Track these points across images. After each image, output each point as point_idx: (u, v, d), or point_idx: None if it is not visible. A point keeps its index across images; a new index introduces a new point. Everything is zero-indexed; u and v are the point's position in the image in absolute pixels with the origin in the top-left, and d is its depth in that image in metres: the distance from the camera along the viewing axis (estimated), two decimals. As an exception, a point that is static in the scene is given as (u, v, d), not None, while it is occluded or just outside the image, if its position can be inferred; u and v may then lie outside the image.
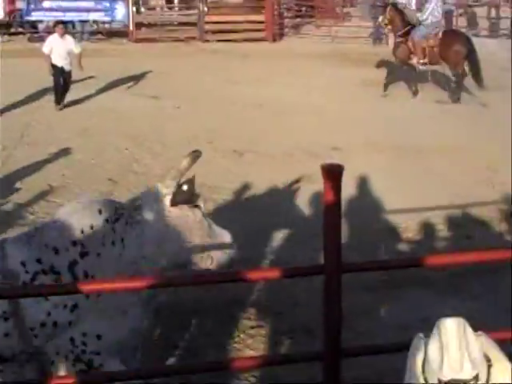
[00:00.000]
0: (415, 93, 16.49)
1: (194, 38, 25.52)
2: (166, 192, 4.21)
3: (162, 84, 17.69)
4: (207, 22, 25.60)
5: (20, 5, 26.56)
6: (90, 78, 17.72)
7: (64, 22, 17.03)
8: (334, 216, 3.29)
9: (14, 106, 15.17)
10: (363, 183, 9.85)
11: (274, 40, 25.31)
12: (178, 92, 16.47)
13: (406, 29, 16.81)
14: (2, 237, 4.16)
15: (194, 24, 26.08)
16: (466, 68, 16.27)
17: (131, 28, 25.81)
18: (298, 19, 28.24)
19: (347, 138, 12.26)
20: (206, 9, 25.92)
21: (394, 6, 17.55)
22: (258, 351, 5.74)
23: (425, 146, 11.73)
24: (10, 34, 26.69)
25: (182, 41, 25.52)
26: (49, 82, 15.52)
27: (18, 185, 9.95)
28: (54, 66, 15.06)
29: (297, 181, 10.13)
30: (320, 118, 13.79)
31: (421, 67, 16.70)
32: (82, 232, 3.99)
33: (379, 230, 8.39)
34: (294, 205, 9.15)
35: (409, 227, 8.52)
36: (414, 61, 16.68)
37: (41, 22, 26.74)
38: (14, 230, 8.15)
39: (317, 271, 3.64)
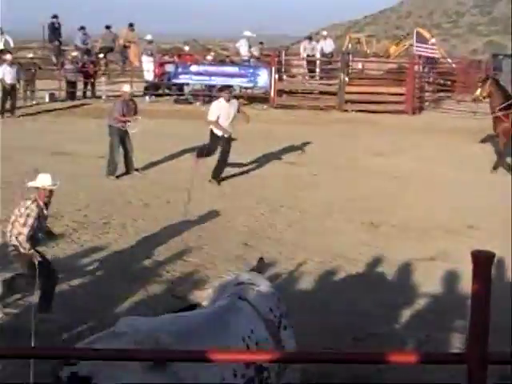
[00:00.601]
0: None
1: (333, 107, 25.74)
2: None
3: (300, 150, 17.91)
4: (347, 92, 25.78)
5: (169, 68, 27.70)
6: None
7: (230, 87, 16.13)
8: (483, 305, 3.19)
9: (155, 164, 15.70)
10: (501, 265, 9.54)
11: (414, 113, 25.16)
12: (315, 159, 16.60)
13: (509, 102, 16.24)
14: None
15: (334, 93, 26.33)
16: None
17: (272, 94, 26.33)
18: (439, 93, 28.03)
19: (483, 216, 11.95)
20: (346, 79, 26.15)
21: (495, 79, 17.26)
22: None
23: None
24: (158, 96, 27.81)
25: (321, 109, 25.79)
26: (191, 142, 15.97)
27: (157, 242, 10.22)
28: (212, 133, 14.55)
29: (431, 258, 9.93)
30: (456, 195, 13.51)
31: None
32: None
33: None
34: (427, 282, 8.94)
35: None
36: None
37: (187, 84, 27.75)
38: (152, 287, 8.40)
39: (459, 360, 3.50)
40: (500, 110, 16.35)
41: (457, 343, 6.89)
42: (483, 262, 3.20)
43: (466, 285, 8.64)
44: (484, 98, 16.95)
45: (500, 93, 16.59)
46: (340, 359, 4.00)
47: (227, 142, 14.54)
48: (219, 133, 14.35)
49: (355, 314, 7.78)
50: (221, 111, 14.40)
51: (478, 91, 16.93)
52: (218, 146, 14.47)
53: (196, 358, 3.68)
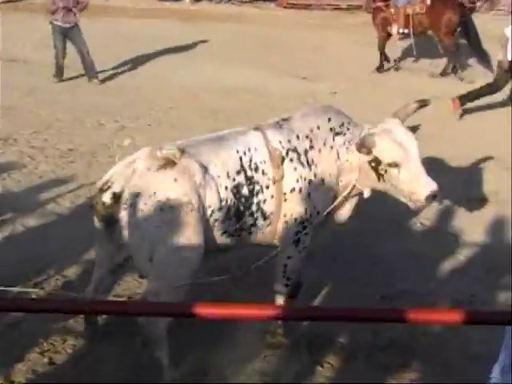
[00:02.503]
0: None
1: (359, 8, 25.50)
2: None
3: (316, 62, 17.78)
4: (377, -11, 25.50)
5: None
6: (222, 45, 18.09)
7: None
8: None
9: (123, 72, 15.67)
10: None
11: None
12: (334, 73, 16.52)
13: None
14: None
15: (360, -10, 26.08)
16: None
17: (282, -10, 26.07)
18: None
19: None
20: (376, -28, 25.82)
21: None
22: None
23: None
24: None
25: (343, 9, 25.57)
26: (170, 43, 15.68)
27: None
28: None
29: (480, 199, 9.93)
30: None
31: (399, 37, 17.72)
32: (312, 131, 6.16)
33: None
34: (473, 229, 8.96)
35: None
36: (394, 30, 17.48)
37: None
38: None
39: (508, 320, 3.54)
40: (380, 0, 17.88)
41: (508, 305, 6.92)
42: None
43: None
44: None
45: None
46: (364, 317, 4.03)
47: None
48: None
49: (382, 267, 7.81)
50: None
51: None
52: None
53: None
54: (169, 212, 5.54)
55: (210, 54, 17.84)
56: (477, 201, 9.83)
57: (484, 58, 16.80)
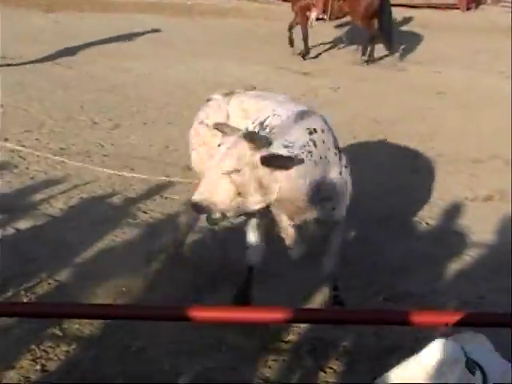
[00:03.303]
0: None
1: None
2: None
3: (317, 57, 17.77)
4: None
5: None
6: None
7: None
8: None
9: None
10: None
11: (468, 8, 24.92)
12: (336, 68, 16.49)
13: None
14: None
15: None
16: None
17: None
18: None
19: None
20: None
21: None
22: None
23: None
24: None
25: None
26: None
27: (131, 173, 10.20)
28: None
29: (486, 197, 9.93)
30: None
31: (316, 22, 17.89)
32: None
33: None
34: (480, 229, 8.96)
35: None
36: (313, 15, 17.70)
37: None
38: (125, 230, 8.41)
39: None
40: None
41: (517, 307, 6.92)
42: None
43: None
44: None
45: None
46: (358, 319, 4.04)
47: None
48: None
49: (385, 268, 7.81)
50: None
51: None
52: None
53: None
54: (197, 127, 7.06)
55: (207, 50, 17.80)
56: (483, 199, 9.84)
57: (391, 44, 17.78)
